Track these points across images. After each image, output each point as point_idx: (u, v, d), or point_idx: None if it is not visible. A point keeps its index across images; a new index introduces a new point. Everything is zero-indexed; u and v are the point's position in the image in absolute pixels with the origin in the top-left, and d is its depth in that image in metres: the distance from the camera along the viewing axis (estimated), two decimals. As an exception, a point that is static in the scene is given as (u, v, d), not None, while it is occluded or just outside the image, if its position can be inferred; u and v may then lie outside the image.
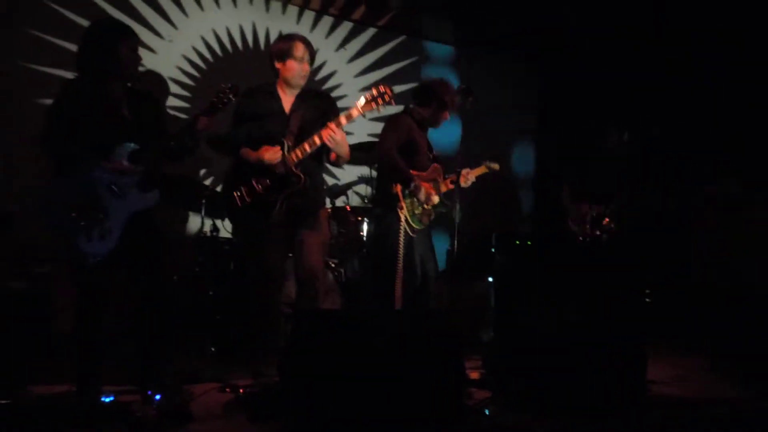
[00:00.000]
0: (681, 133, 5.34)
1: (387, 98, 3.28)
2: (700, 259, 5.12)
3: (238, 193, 3.24)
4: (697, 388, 3.58)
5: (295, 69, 3.34)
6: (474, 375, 3.40)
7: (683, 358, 4.33)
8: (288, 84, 3.38)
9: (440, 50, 6.33)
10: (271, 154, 3.23)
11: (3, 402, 2.56)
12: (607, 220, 4.40)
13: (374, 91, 3.28)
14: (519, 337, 3.22)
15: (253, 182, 3.24)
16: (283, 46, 3.36)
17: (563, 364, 2.98)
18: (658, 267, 5.10)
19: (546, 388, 2.96)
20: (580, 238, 4.43)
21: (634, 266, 4.56)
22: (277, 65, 3.35)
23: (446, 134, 4.25)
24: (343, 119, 3.25)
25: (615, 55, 5.88)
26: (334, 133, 3.22)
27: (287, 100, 3.39)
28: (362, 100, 3.28)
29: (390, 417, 2.49)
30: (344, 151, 3.36)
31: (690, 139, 5.36)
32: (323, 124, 3.26)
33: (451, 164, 3.86)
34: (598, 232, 4.35)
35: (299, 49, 3.34)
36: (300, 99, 3.39)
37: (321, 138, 3.22)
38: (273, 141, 3.26)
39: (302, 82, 3.40)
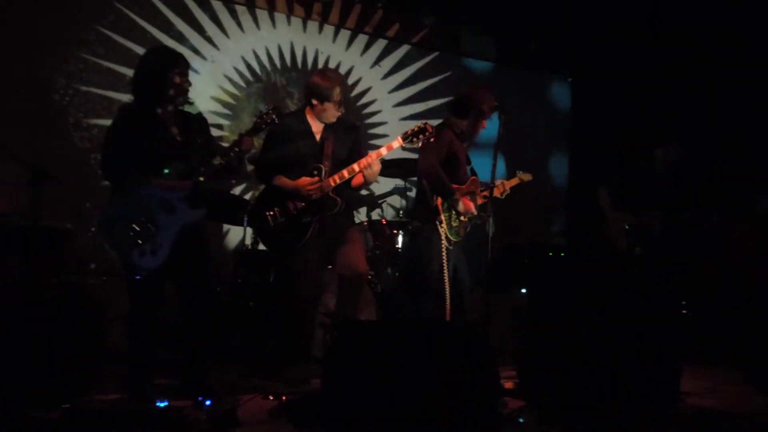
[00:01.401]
0: (722, 148, 5.33)
1: (428, 135, 3.41)
2: (736, 273, 5.08)
3: (271, 213, 3.38)
4: (730, 400, 3.58)
5: (331, 112, 3.45)
6: (508, 385, 3.46)
7: (717, 370, 4.31)
8: (318, 118, 3.50)
9: (476, 65, 6.44)
10: (312, 188, 3.34)
11: (64, 407, 2.72)
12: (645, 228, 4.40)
13: (416, 127, 3.42)
14: (552, 347, 3.27)
15: (289, 204, 3.37)
16: (323, 85, 3.42)
17: (596, 376, 3.03)
18: (696, 280, 5.08)
19: (579, 399, 3.01)
20: (614, 249, 4.46)
21: (670, 278, 4.56)
22: (314, 102, 3.45)
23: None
24: (384, 150, 3.37)
25: (651, 67, 5.91)
26: (374, 162, 3.34)
27: (316, 126, 3.51)
28: (404, 134, 3.42)
29: (427, 425, 2.58)
30: (372, 180, 3.48)
31: (733, 154, 5.34)
32: (352, 150, 3.41)
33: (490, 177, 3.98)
34: (632, 243, 4.38)
35: (338, 94, 3.43)
36: (329, 127, 3.52)
37: (360, 166, 3.35)
38: (306, 165, 3.40)
39: (333, 121, 3.52)
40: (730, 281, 5.01)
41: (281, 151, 3.45)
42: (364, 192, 5.35)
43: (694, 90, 5.63)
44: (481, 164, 4.15)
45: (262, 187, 3.66)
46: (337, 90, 3.42)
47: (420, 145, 3.44)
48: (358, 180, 3.48)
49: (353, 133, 3.61)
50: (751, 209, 4.85)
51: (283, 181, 3.42)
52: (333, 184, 3.37)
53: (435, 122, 4.09)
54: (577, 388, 3.03)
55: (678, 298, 4.86)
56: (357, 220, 4.05)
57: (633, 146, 5.08)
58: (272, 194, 3.45)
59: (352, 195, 3.78)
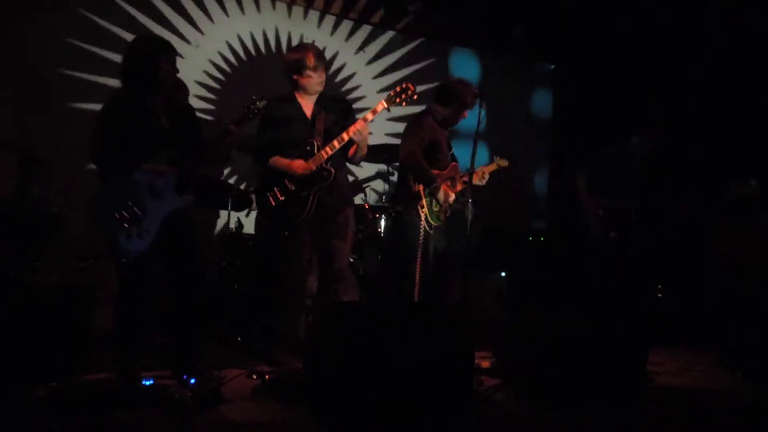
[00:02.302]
0: (700, 134, 5.45)
1: (410, 93, 3.47)
2: (715, 258, 5.19)
3: (271, 194, 3.46)
4: (701, 379, 3.74)
5: (313, 79, 3.52)
6: (485, 364, 3.58)
7: (692, 351, 4.44)
8: (307, 92, 3.58)
9: (460, 52, 6.49)
10: (303, 168, 3.43)
11: (52, 384, 2.79)
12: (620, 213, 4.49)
13: (398, 88, 3.48)
14: (528, 328, 3.39)
15: (286, 181, 3.46)
16: (296, 57, 3.51)
17: (569, 355, 3.14)
18: (674, 265, 5.19)
19: (553, 378, 3.13)
20: (589, 233, 4.56)
21: (645, 262, 4.67)
22: (295, 77, 3.53)
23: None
24: (369, 115, 3.43)
25: (633, 56, 6.00)
26: (363, 128, 3.41)
27: (307, 105, 3.59)
28: (387, 96, 3.48)
29: (404, 402, 2.69)
30: (364, 146, 3.55)
31: (710, 141, 5.45)
32: (345, 124, 3.47)
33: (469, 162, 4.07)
34: (608, 228, 4.48)
35: (312, 60, 3.49)
36: (319, 104, 3.59)
37: (348, 133, 3.42)
38: (300, 145, 3.48)
39: (320, 89, 3.59)
40: (712, 266, 5.12)
41: (276, 134, 3.52)
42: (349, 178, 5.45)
43: (674, 77, 5.74)
44: (464, 152, 4.26)
45: (248, 169, 3.73)
46: (309, 55, 3.49)
47: (404, 105, 3.50)
48: (351, 149, 3.54)
49: (343, 107, 3.68)
50: (728, 195, 4.95)
51: (278, 160, 3.50)
52: (325, 156, 3.45)
53: (418, 108, 4.20)
54: (552, 367, 3.14)
55: (653, 281, 5.01)
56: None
57: (610, 133, 5.18)
58: (271, 175, 3.53)
59: (347, 176, 3.83)
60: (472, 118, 3.89)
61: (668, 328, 4.60)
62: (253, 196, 3.93)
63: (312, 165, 3.44)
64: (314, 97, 3.60)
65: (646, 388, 3.32)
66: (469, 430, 2.73)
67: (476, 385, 3.20)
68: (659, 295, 5.09)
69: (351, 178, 5.59)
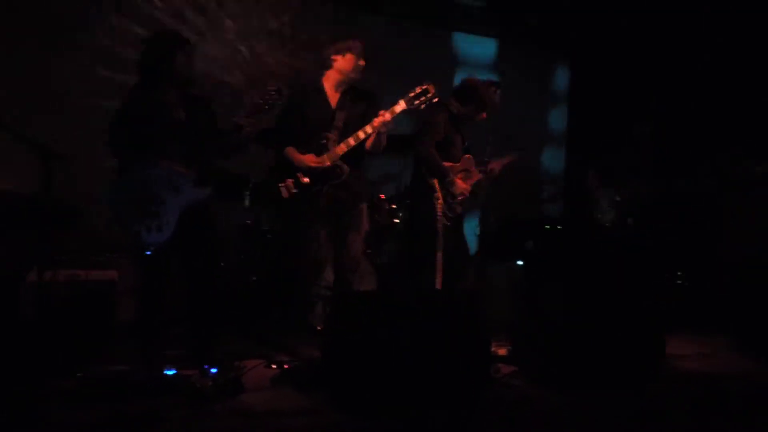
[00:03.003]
0: (710, 116, 5.41)
1: (430, 96, 3.47)
2: (730, 240, 5.17)
3: (284, 185, 3.48)
4: (718, 364, 3.73)
5: (353, 62, 3.54)
6: (502, 352, 3.61)
7: (710, 336, 4.44)
8: (341, 76, 3.56)
9: (473, 42, 6.46)
10: (314, 163, 3.44)
11: (77, 375, 2.87)
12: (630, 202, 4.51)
13: (418, 89, 3.48)
14: (545, 316, 3.41)
15: (299, 175, 3.47)
16: (343, 44, 3.57)
17: (585, 342, 3.16)
18: (690, 249, 5.17)
19: (569, 364, 3.15)
20: (607, 224, 4.58)
21: (660, 249, 4.67)
22: (335, 57, 3.54)
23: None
24: (388, 114, 3.43)
25: (645, 40, 5.95)
26: (388, 120, 3.41)
27: (333, 96, 3.59)
28: (407, 97, 3.48)
29: (422, 388, 2.73)
30: (384, 139, 3.55)
31: (719, 122, 5.42)
32: (366, 121, 3.46)
33: (482, 154, 4.10)
34: (623, 218, 4.49)
35: (358, 47, 3.56)
36: (345, 96, 3.59)
37: (373, 127, 3.41)
38: (318, 133, 3.48)
39: (356, 77, 3.59)
40: (729, 247, 5.09)
41: (295, 119, 3.53)
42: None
43: (686, 66, 5.68)
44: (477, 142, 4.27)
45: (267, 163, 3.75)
46: (356, 42, 3.56)
47: (423, 107, 3.50)
48: (369, 141, 3.53)
49: (370, 101, 3.66)
50: (743, 174, 4.91)
51: (292, 152, 3.50)
52: (340, 153, 3.46)
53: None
54: (567, 353, 3.16)
55: (672, 267, 5.00)
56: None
57: (618, 123, 5.18)
58: (285, 165, 3.54)
59: (364, 173, 3.82)
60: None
61: (686, 313, 4.59)
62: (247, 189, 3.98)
63: (326, 161, 3.45)
64: (341, 87, 3.59)
65: (660, 372, 3.33)
66: (486, 414, 2.76)
67: (493, 372, 3.23)
68: (678, 282, 5.08)
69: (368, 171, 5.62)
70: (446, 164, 3.91)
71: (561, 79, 6.90)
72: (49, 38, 4.58)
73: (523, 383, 3.15)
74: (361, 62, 3.58)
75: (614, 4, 5.69)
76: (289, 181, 3.49)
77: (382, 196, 4.78)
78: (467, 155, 4.09)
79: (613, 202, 4.64)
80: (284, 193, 3.49)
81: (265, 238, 4.44)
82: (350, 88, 3.62)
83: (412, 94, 3.47)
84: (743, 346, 4.17)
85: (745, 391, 3.26)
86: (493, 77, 4.19)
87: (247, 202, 4.44)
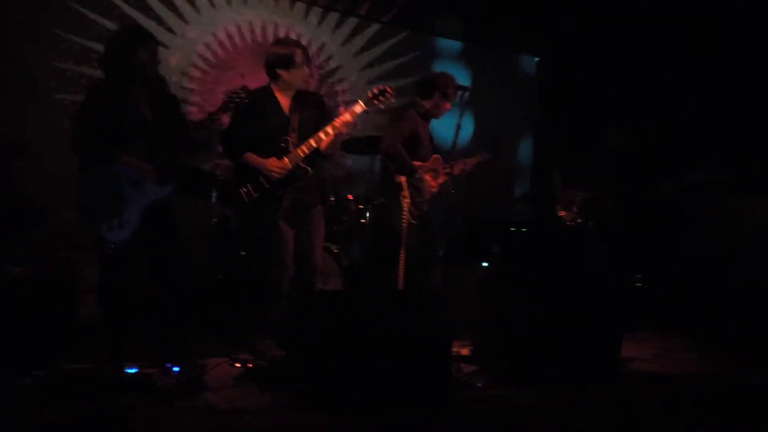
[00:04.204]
0: (674, 124, 5.56)
1: (388, 96, 3.51)
2: (690, 244, 5.30)
3: (245, 189, 3.47)
4: (674, 365, 3.84)
5: (299, 75, 3.54)
6: (464, 351, 3.66)
7: (668, 338, 4.56)
8: (288, 87, 3.58)
9: (446, 45, 6.52)
10: (277, 169, 3.43)
11: (37, 373, 2.84)
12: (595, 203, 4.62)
13: (376, 90, 3.52)
14: (507, 316, 3.47)
15: (261, 179, 3.47)
16: (284, 52, 3.52)
17: (546, 343, 3.23)
18: (651, 252, 5.30)
19: (530, 364, 3.22)
20: (568, 223, 4.67)
21: (621, 251, 4.78)
22: (280, 72, 3.52)
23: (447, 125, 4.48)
24: (348, 116, 3.46)
25: (613, 48, 6.08)
26: (349, 121, 3.44)
27: (284, 101, 3.59)
28: (365, 98, 3.51)
29: (384, 388, 2.76)
30: (339, 142, 3.59)
31: (683, 130, 5.57)
32: (320, 123, 3.49)
33: (451, 154, 4.15)
34: (584, 219, 4.59)
35: (299, 56, 3.52)
36: (296, 100, 3.60)
37: (334, 127, 3.43)
38: (275, 139, 3.49)
39: (304, 86, 3.62)
40: (688, 251, 5.22)
41: (250, 127, 3.50)
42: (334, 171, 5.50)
43: (653, 71, 5.83)
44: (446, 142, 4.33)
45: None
46: (298, 51, 3.52)
47: (382, 107, 3.55)
48: (325, 144, 3.52)
49: (320, 105, 3.70)
50: (696, 180, 5.04)
51: (252, 158, 3.50)
52: (302, 155, 3.47)
53: (405, 101, 4.25)
54: (528, 353, 3.23)
55: (632, 269, 5.12)
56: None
57: (590, 127, 5.29)
58: (244, 171, 3.53)
59: (325, 175, 3.85)
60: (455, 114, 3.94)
61: (644, 314, 4.71)
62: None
63: (288, 163, 3.47)
64: (292, 93, 3.60)
65: (620, 372, 3.42)
66: (448, 413, 2.80)
67: (456, 371, 3.28)
68: (638, 284, 5.20)
69: (336, 171, 5.65)
70: (415, 163, 3.95)
71: (529, 83, 7.01)
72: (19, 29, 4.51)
73: (484, 383, 3.21)
74: (306, 71, 3.57)
75: (585, 10, 5.80)
76: (250, 186, 3.48)
77: (350, 196, 4.80)
78: (435, 155, 4.13)
79: (576, 204, 4.73)
80: (245, 197, 3.48)
81: (232, 237, 4.42)
82: (298, 93, 3.63)
83: (370, 95, 3.51)
84: (699, 347, 4.29)
85: (701, 390, 3.38)
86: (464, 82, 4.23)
87: (214, 200, 4.43)
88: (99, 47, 4.50)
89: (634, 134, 4.95)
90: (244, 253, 4.24)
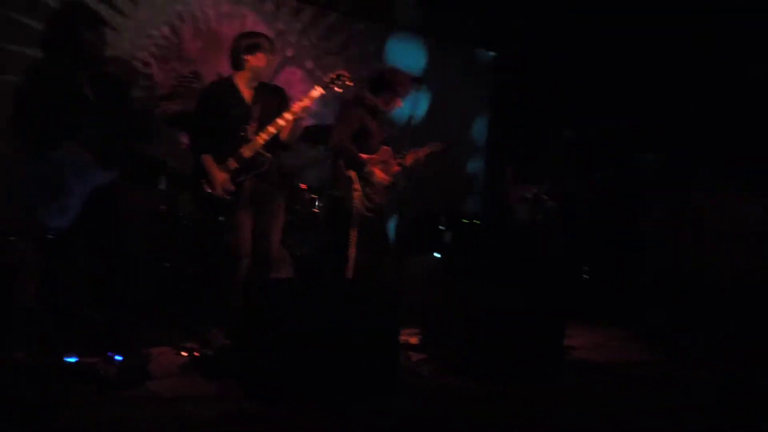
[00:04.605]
0: (619, 119, 5.71)
1: (345, 81, 3.53)
2: (637, 239, 5.46)
3: (206, 180, 3.44)
4: (615, 354, 3.98)
5: (266, 60, 3.54)
6: (413, 340, 3.71)
7: (611, 329, 4.69)
8: (251, 75, 3.55)
9: (404, 37, 6.54)
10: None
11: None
12: (545, 198, 4.73)
13: (333, 75, 3.54)
14: (456, 306, 3.52)
15: (204, 186, 3.43)
16: (252, 39, 3.55)
17: (493, 333, 3.29)
18: (599, 245, 5.44)
19: (476, 354, 3.27)
20: (521, 220, 4.76)
21: (568, 245, 4.90)
22: (246, 57, 3.51)
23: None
24: (306, 101, 3.46)
25: (564, 43, 6.21)
26: (308, 106, 3.45)
27: (246, 91, 3.57)
28: (322, 82, 3.53)
29: (332, 377, 2.77)
30: (300, 129, 3.59)
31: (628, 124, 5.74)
32: (280, 112, 3.47)
33: (402, 144, 4.17)
34: (535, 213, 4.68)
35: (266, 44, 3.54)
36: (258, 91, 3.59)
37: (293, 113, 3.43)
38: (236, 130, 3.47)
39: (270, 73, 3.61)
40: (635, 245, 5.38)
41: (213, 119, 3.48)
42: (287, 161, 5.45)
43: (606, 67, 5.97)
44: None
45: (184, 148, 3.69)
46: (264, 39, 3.55)
47: (340, 91, 3.56)
48: (285, 132, 3.53)
49: (281, 96, 3.69)
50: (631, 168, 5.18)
51: (208, 163, 3.45)
52: (262, 142, 3.45)
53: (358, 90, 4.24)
54: (475, 343, 3.28)
55: (577, 263, 5.26)
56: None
57: (544, 122, 5.39)
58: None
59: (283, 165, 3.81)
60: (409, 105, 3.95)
61: (590, 306, 4.85)
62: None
63: (248, 152, 3.45)
64: (253, 84, 3.59)
65: (564, 362, 3.51)
66: (395, 401, 2.83)
67: (404, 360, 3.32)
68: (585, 276, 5.34)
69: (290, 161, 5.60)
70: (364, 156, 3.95)
71: (485, 78, 7.09)
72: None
73: (432, 371, 3.25)
74: (273, 59, 3.58)
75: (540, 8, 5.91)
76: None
77: (303, 186, 4.78)
78: (386, 147, 4.14)
79: (528, 198, 4.82)
80: (207, 188, 3.44)
81: (181, 225, 4.35)
82: (260, 85, 3.62)
83: (327, 80, 3.54)
84: (641, 337, 4.45)
85: (644, 379, 3.51)
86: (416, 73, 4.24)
87: (163, 187, 4.35)
88: (38, 25, 4.38)
89: (583, 130, 5.06)
90: (195, 240, 4.18)
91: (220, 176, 3.43)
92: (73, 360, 2.83)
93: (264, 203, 3.56)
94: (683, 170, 5.17)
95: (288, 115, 3.44)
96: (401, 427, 2.63)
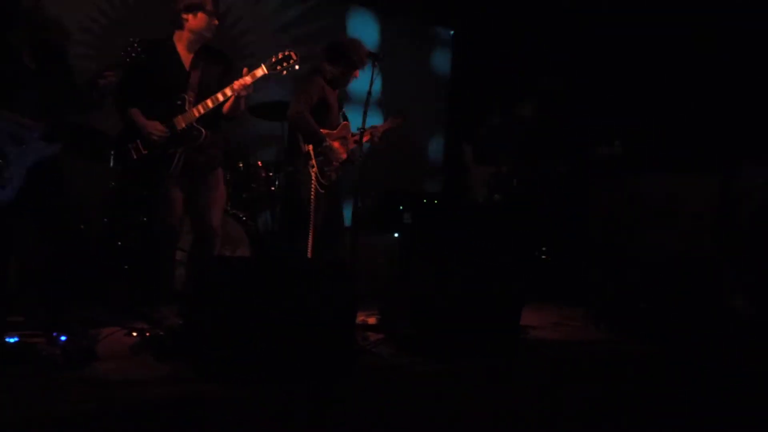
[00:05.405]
0: (576, 100, 5.76)
1: (292, 63, 3.38)
2: (592, 220, 5.55)
3: (133, 146, 3.27)
4: (570, 332, 4.03)
5: (206, 21, 3.33)
6: (371, 320, 3.67)
7: (566, 308, 4.75)
8: (194, 36, 3.36)
9: (358, 12, 6.43)
10: (157, 132, 3.24)
11: None
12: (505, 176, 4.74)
13: (280, 55, 3.37)
14: (414, 285, 3.49)
15: (138, 141, 3.27)
16: (193, 0, 3.33)
17: (449, 311, 3.27)
18: (555, 226, 5.50)
19: (434, 332, 3.25)
20: (479, 199, 4.76)
21: (526, 224, 4.93)
22: (186, 16, 3.31)
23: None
24: (248, 78, 3.30)
25: (525, 25, 6.21)
26: (248, 84, 3.28)
27: (186, 55, 3.39)
28: (268, 62, 3.36)
29: (288, 357, 2.71)
30: (243, 103, 3.44)
31: (583, 106, 5.79)
32: (223, 82, 3.33)
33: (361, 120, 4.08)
34: (492, 193, 4.69)
35: (209, 3, 3.33)
36: (198, 56, 3.40)
37: (233, 89, 3.27)
38: (171, 97, 3.29)
39: (209, 36, 3.40)
40: (590, 226, 5.46)
41: (145, 80, 3.28)
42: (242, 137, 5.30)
43: (563, 48, 6.00)
44: (358, 115, 4.24)
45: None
46: (208, 0, 3.32)
47: (285, 74, 3.41)
48: (227, 105, 3.39)
49: (225, 63, 3.49)
50: (593, 154, 5.25)
51: (136, 115, 3.27)
52: (197, 114, 3.30)
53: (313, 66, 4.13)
54: (432, 322, 3.26)
55: (535, 242, 5.30)
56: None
57: (502, 101, 5.39)
58: (133, 127, 3.31)
59: (223, 137, 3.66)
60: (365, 81, 3.88)
61: (546, 286, 4.89)
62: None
63: (182, 123, 3.29)
64: (195, 47, 3.40)
65: (519, 340, 3.54)
66: (353, 380, 2.79)
67: (361, 340, 3.28)
68: (542, 257, 5.40)
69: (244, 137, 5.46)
70: (323, 131, 3.86)
71: (443, 56, 7.05)
72: None
73: (390, 351, 3.22)
74: (215, 21, 3.38)
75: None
76: (140, 141, 3.27)
77: (260, 163, 4.67)
78: (345, 122, 4.06)
79: (486, 178, 4.83)
80: (133, 155, 3.27)
81: (131, 200, 4.19)
82: (203, 48, 3.43)
83: (273, 60, 3.36)
84: (595, 317, 4.51)
85: (594, 356, 3.56)
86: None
87: (112, 163, 4.17)
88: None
89: (540, 107, 5.08)
90: (143, 216, 4.03)
91: (152, 123, 3.24)
92: (13, 340, 2.70)
93: (199, 176, 3.41)
94: (629, 155, 5.25)
95: (228, 91, 3.29)
96: (358, 408, 2.59)
